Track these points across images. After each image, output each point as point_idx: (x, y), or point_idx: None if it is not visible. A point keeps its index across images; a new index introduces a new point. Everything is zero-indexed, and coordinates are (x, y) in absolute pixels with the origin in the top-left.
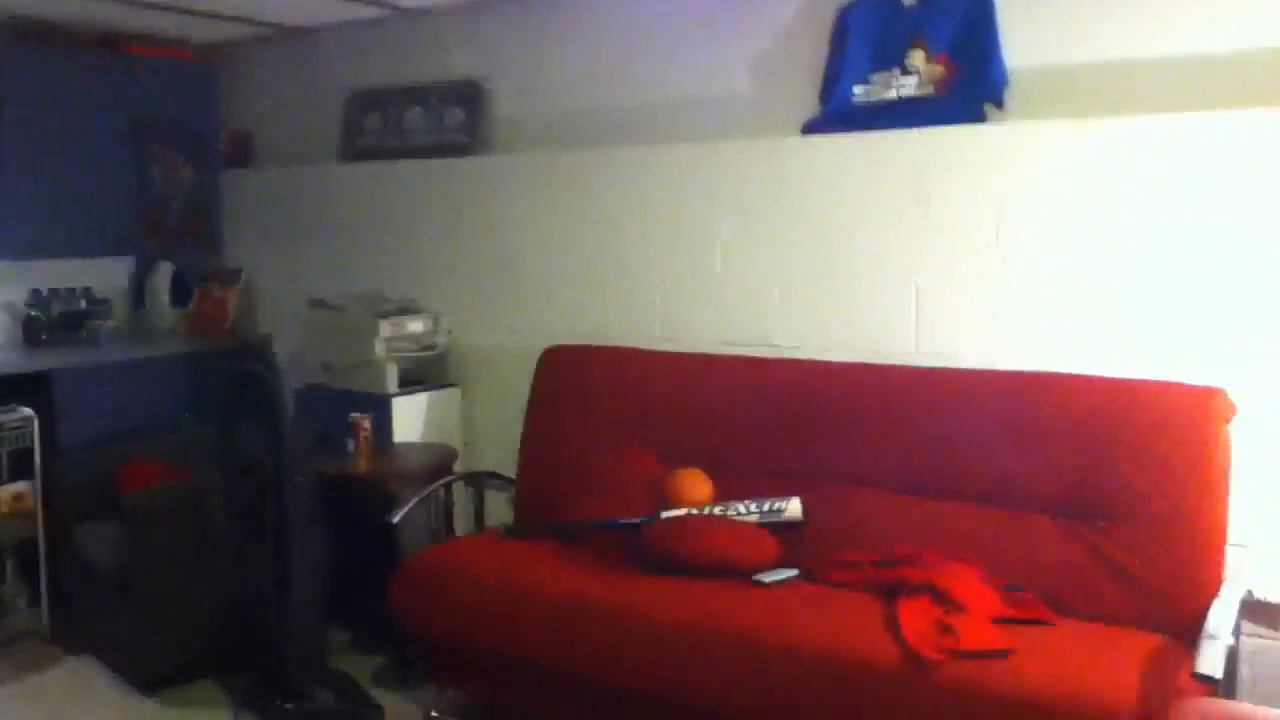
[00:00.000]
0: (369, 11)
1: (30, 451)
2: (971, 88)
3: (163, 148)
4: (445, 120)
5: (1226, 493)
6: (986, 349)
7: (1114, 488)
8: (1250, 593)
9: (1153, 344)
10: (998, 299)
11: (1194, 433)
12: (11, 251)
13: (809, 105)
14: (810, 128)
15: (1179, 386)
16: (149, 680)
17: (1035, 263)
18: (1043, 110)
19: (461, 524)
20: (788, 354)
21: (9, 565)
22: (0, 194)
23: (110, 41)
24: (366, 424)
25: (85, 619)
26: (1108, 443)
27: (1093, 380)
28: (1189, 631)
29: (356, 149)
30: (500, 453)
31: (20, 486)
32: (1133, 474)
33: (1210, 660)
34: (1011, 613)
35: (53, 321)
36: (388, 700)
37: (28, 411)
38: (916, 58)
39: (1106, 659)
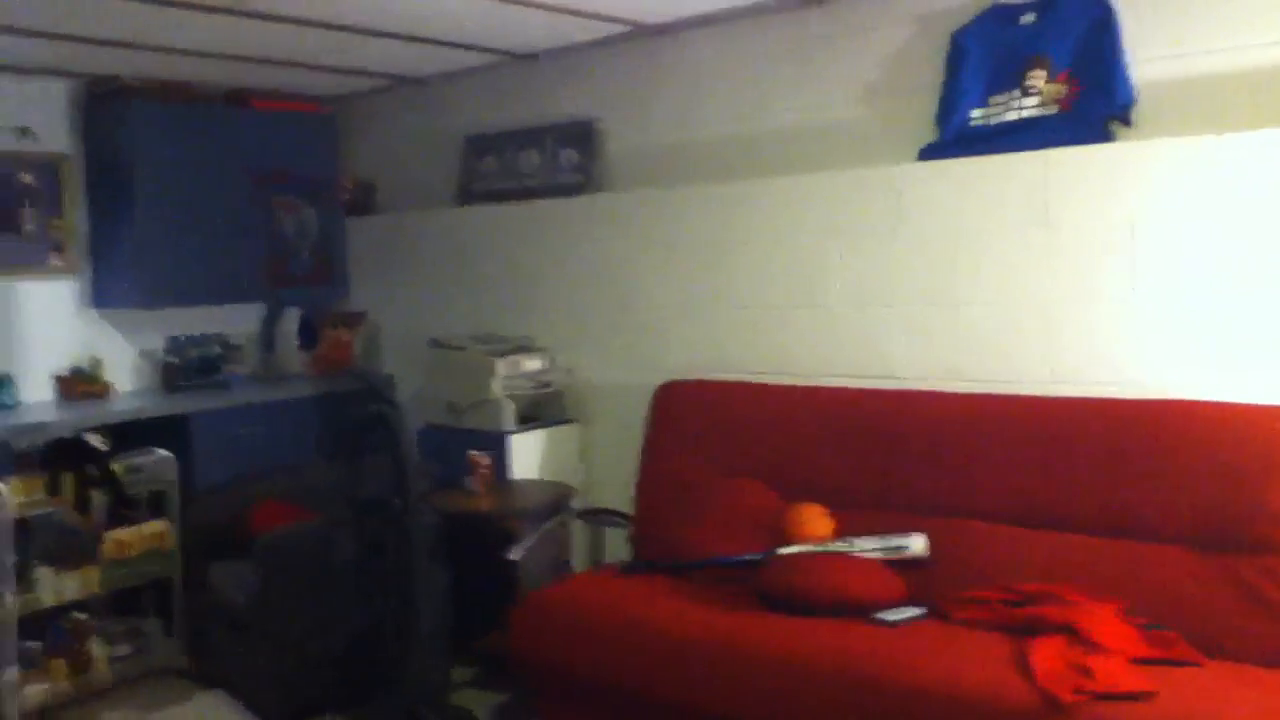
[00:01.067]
0: (482, 58)
1: (169, 492)
2: (1096, 106)
3: (288, 196)
4: (559, 160)
5: None
6: (1121, 375)
7: (1263, 518)
8: None
9: None
10: (1132, 323)
11: None
12: (149, 301)
13: (924, 131)
14: (928, 153)
15: None
16: (280, 715)
17: (1172, 285)
18: (1174, 126)
19: (580, 560)
20: (910, 385)
21: (148, 602)
22: (138, 246)
23: (237, 96)
24: (486, 461)
25: (219, 655)
26: (1256, 471)
27: (1234, 407)
28: None
29: (473, 192)
30: (617, 489)
31: (159, 525)
32: None
33: None
34: (1154, 653)
35: (189, 367)
36: None
37: (166, 454)
38: (1037, 77)
39: (1257, 703)
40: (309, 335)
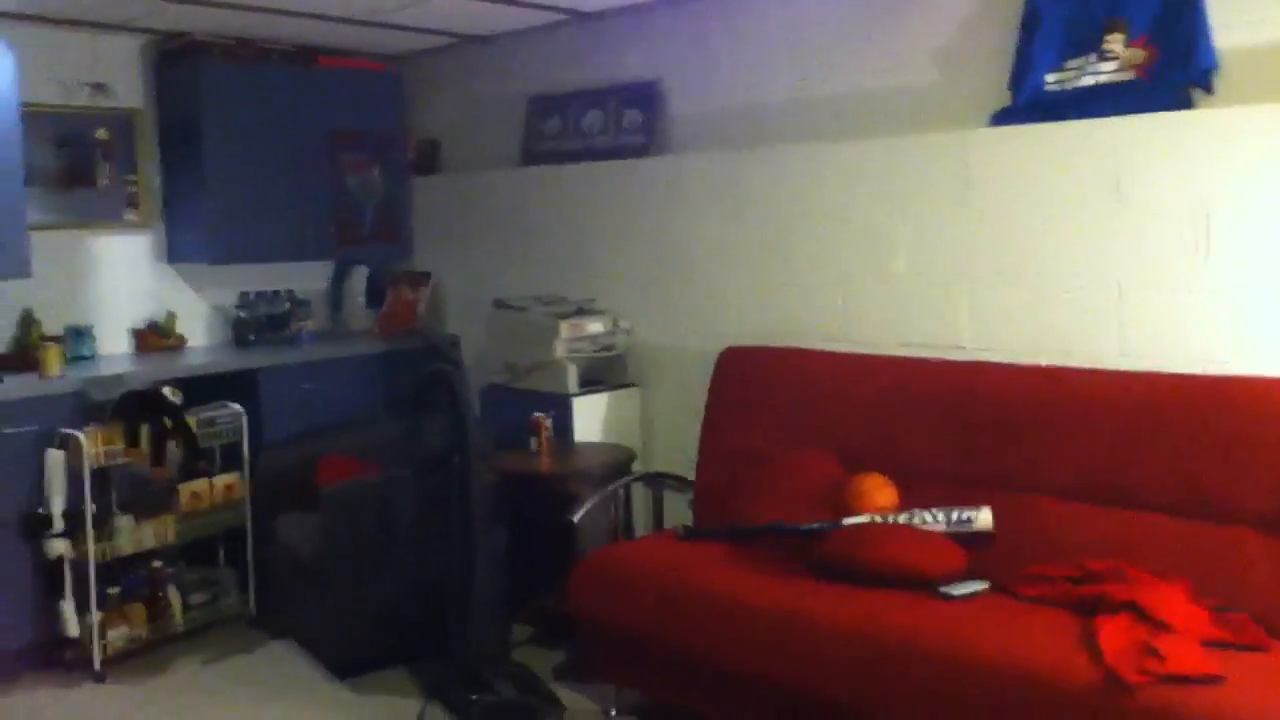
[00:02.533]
0: (547, 17)
1: (239, 445)
2: (1176, 72)
3: (355, 155)
4: (623, 122)
5: None
6: (1194, 352)
7: None
8: None
9: None
10: (1206, 299)
11: None
12: (220, 257)
13: (997, 95)
14: (1001, 118)
15: None
16: (344, 666)
17: (1248, 261)
18: (1257, 95)
19: (640, 524)
20: (977, 357)
21: (221, 552)
22: (208, 203)
23: (304, 55)
24: (548, 423)
25: (287, 605)
26: None
27: None
28: None
29: (537, 153)
30: (679, 454)
31: (230, 478)
32: None
33: None
34: (1223, 636)
35: (259, 323)
36: (567, 697)
37: (237, 408)
38: (1114, 41)
39: None
40: (376, 294)
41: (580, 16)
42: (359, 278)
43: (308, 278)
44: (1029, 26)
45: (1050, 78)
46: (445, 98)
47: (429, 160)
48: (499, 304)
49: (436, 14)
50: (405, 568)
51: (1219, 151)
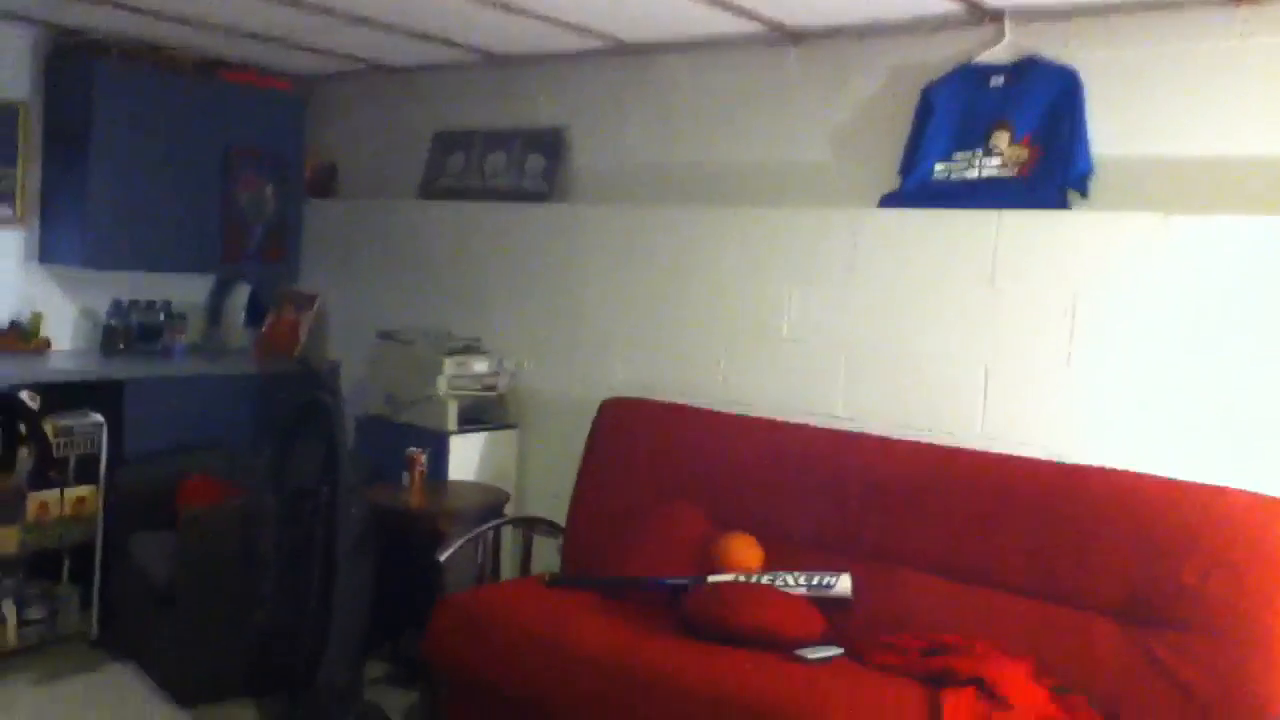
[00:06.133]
0: (459, 55)
1: (97, 457)
2: (1055, 173)
3: (249, 172)
4: (526, 166)
5: None
6: (1053, 439)
7: (1178, 595)
8: None
9: (1227, 449)
10: (1068, 389)
11: (1263, 542)
12: (95, 261)
13: (888, 179)
14: (889, 201)
15: (1248, 494)
16: (187, 695)
17: (1109, 356)
18: (1126, 202)
19: (508, 568)
20: (849, 426)
21: (65, 566)
22: (88, 205)
23: (207, 66)
24: (423, 459)
25: (132, 627)
26: (1175, 548)
27: (1163, 482)
28: None
29: (437, 187)
30: (553, 499)
31: (84, 490)
32: (1199, 583)
33: None
34: (1059, 715)
35: (130, 332)
36: None
37: (98, 418)
38: (1001, 139)
39: None
40: (257, 313)
41: (492, 58)
42: (240, 295)
43: (187, 290)
44: (923, 116)
45: (939, 167)
46: (348, 123)
47: (325, 183)
48: (384, 335)
49: (349, 40)
50: (262, 598)
51: (1087, 252)
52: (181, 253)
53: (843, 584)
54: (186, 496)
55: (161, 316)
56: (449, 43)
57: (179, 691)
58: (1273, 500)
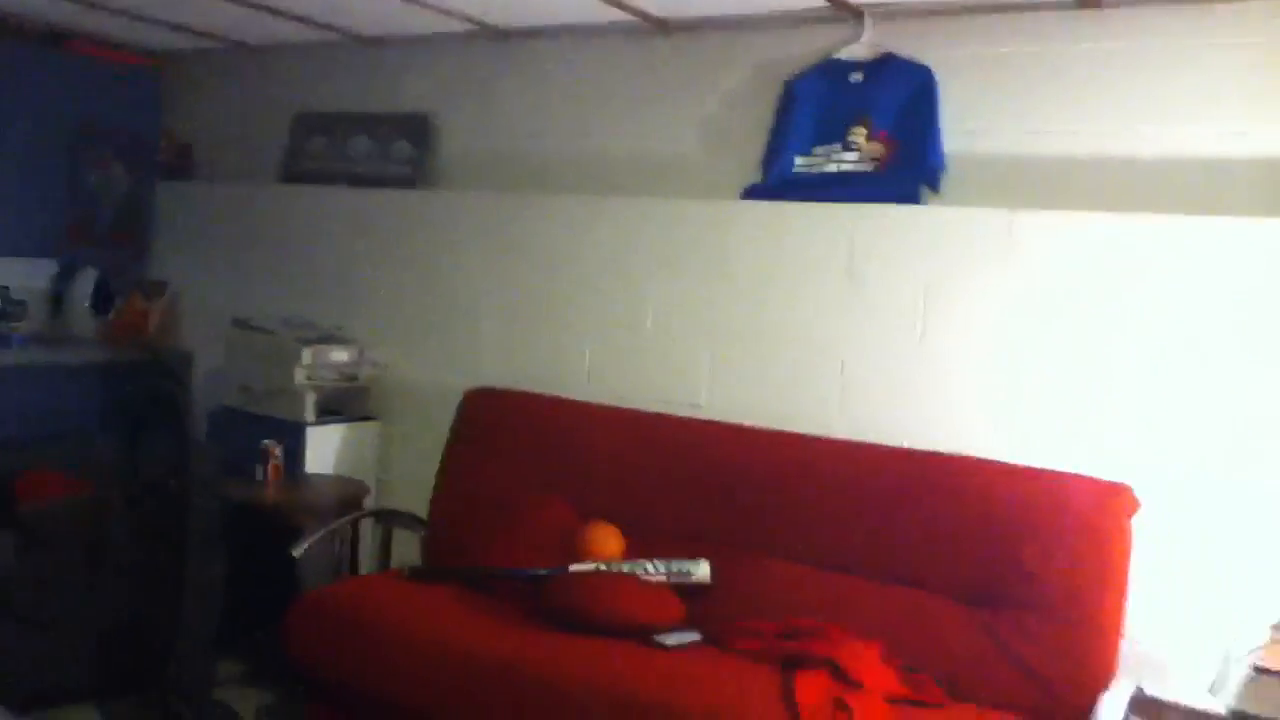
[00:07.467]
0: (321, 35)
1: None
2: (909, 169)
3: (99, 150)
4: (391, 151)
5: (1126, 587)
6: (905, 428)
7: (1017, 576)
8: (1140, 689)
9: (1063, 436)
10: (917, 379)
11: (1098, 526)
12: None
13: (751, 171)
14: (750, 193)
15: (1086, 479)
16: (23, 699)
17: (955, 346)
18: (976, 198)
19: (367, 562)
20: (711, 416)
21: None
22: None
23: (56, 38)
24: (278, 451)
25: None
26: (1013, 531)
27: (1003, 467)
28: None
29: (299, 171)
30: (415, 492)
31: None
32: (1035, 563)
33: None
34: (907, 694)
35: None
36: None
37: None
38: (858, 134)
39: None
40: (104, 299)
41: (356, 39)
42: (86, 280)
43: (27, 275)
44: (785, 110)
45: (799, 160)
46: (206, 102)
47: (181, 165)
48: (239, 323)
49: (203, 13)
50: (108, 596)
51: (938, 246)
52: (22, 235)
53: (701, 570)
54: (26, 492)
55: None
56: (311, 22)
57: (14, 696)
58: (1108, 485)
